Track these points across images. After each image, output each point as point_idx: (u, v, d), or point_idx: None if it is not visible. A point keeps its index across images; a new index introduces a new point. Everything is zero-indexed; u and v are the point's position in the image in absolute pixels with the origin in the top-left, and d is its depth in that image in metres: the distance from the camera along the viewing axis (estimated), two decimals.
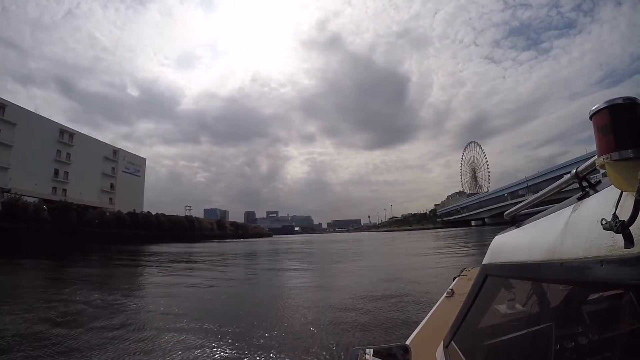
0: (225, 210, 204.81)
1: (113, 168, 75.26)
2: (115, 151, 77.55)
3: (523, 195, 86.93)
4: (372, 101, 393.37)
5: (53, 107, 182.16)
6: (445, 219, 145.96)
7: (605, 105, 0.61)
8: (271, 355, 4.66)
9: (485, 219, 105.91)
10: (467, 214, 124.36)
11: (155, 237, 56.66)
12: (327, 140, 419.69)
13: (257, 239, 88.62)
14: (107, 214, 56.96)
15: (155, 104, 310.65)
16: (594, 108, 0.64)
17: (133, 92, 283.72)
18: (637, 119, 0.59)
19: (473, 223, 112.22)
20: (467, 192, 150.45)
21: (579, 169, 0.77)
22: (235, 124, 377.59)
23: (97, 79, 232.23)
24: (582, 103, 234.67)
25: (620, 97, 0.60)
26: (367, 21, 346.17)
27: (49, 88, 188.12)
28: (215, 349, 4.91)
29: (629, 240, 0.50)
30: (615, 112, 0.60)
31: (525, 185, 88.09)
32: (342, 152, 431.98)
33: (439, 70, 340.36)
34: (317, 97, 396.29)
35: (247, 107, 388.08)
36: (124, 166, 78.60)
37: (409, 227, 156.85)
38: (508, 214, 1.21)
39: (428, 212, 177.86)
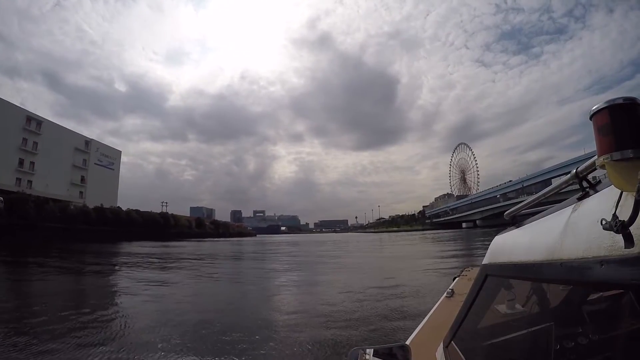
0: (211, 209, 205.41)
1: (84, 160, 70.23)
2: (88, 142, 72.44)
3: (514, 198, 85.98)
4: (361, 102, 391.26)
5: (40, 101, 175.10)
6: (434, 220, 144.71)
7: (605, 105, 0.61)
8: None
9: (477, 221, 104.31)
10: (456, 215, 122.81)
11: (125, 235, 52.33)
12: (315, 140, 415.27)
13: (240, 239, 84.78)
14: (72, 207, 52.31)
15: (143, 99, 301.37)
16: (594, 108, 0.63)
17: (121, 87, 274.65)
18: (637, 119, 0.58)
19: (464, 225, 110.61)
20: (456, 194, 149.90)
21: (579, 169, 0.75)
22: (223, 122, 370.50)
23: (85, 73, 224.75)
24: (570, 109, 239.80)
25: (620, 97, 0.60)
26: (358, 21, 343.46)
27: (36, 81, 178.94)
28: None
29: (629, 240, 0.49)
30: (615, 112, 0.60)
31: (520, 186, 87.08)
32: (331, 152, 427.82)
33: (429, 73, 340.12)
34: (306, 96, 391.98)
35: (236, 105, 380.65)
36: (96, 158, 73.56)
37: (397, 229, 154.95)
38: (508, 214, 1.20)
39: (417, 214, 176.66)
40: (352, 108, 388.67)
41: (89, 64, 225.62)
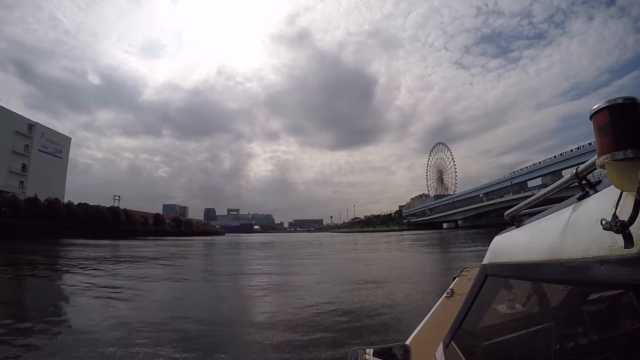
0: (185, 207, 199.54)
1: (27, 146, 61.90)
2: (31, 125, 63.86)
3: (496, 198, 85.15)
4: (338, 101, 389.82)
5: (11, 92, 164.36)
6: (412, 220, 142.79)
7: (605, 105, 0.61)
8: None
9: (458, 221, 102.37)
10: (436, 215, 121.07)
11: (64, 231, 45.60)
12: (291, 139, 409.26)
13: (207, 237, 78.95)
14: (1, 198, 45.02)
15: (117, 92, 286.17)
16: (594, 108, 0.63)
17: (94, 79, 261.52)
18: (637, 119, 0.58)
19: (445, 225, 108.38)
20: (432, 195, 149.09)
21: (579, 168, 0.75)
22: (199, 118, 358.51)
23: (58, 63, 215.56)
24: (546, 113, 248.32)
25: (620, 97, 0.60)
26: (338, 18, 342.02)
27: (8, 71, 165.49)
28: None
29: (629, 240, 0.49)
30: (615, 112, 0.60)
31: (509, 183, 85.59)
32: (307, 152, 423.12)
33: (408, 73, 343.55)
34: (283, 93, 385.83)
35: (211, 101, 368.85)
36: (41, 144, 65.19)
37: (373, 229, 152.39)
38: (508, 213, 1.19)
39: (393, 214, 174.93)
40: (329, 107, 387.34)
41: (62, 54, 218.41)
